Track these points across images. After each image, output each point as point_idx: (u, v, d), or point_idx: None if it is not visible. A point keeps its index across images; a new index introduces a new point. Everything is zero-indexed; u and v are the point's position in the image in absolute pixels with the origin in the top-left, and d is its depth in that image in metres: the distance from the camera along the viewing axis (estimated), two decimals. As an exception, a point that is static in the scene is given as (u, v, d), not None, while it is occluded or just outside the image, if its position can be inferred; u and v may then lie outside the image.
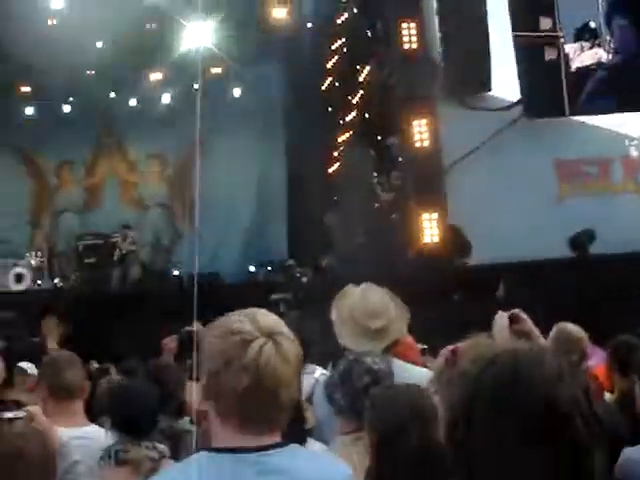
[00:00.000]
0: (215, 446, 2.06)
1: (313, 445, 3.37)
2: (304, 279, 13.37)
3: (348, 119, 16.90)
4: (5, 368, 5.21)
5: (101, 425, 3.94)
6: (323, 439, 3.58)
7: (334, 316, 4.11)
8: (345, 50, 16.91)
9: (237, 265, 18.45)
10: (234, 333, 2.01)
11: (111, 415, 3.73)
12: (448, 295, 11.94)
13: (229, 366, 1.97)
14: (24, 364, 4.97)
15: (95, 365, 7.24)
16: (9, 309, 11.04)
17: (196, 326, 6.76)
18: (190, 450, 3.44)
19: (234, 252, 19.12)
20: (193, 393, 4.26)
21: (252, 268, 17.36)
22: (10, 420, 3.03)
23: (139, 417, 3.70)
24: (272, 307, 10.91)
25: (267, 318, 2.08)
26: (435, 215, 13.14)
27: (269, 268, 16.35)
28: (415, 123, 13.55)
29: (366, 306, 4.06)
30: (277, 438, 2.07)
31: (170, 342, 6.88)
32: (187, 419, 4.47)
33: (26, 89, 18.96)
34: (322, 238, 15.32)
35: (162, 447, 3.62)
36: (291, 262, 15.71)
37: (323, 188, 16.39)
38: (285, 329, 2.08)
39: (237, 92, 19.16)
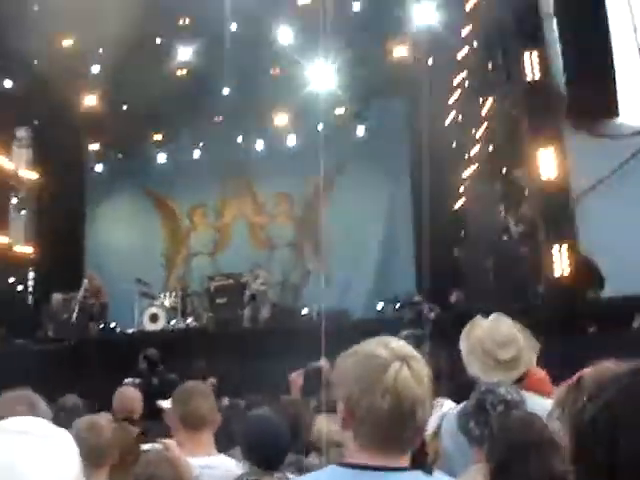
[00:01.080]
0: (343, 462, 2.15)
1: (441, 477, 3.36)
2: (432, 315, 13.26)
3: (472, 153, 16.74)
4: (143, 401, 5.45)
5: (232, 456, 4.03)
6: (452, 473, 3.55)
7: (463, 347, 4.10)
8: (467, 84, 16.83)
9: (365, 302, 18.48)
10: (371, 358, 2.10)
11: (244, 446, 3.81)
12: (582, 328, 11.64)
13: (369, 390, 2.05)
14: (163, 402, 5.13)
15: (227, 401, 7.40)
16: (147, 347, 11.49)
17: (323, 362, 6.85)
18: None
19: (362, 289, 19.18)
20: (323, 425, 4.32)
21: (380, 305, 17.34)
22: (147, 451, 3.18)
23: (271, 449, 3.77)
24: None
25: (399, 343, 2.17)
26: (565, 247, 12.82)
27: (397, 305, 16.27)
28: (541, 154, 13.33)
29: (495, 336, 4.03)
30: (406, 462, 2.12)
31: (297, 377, 6.96)
32: (314, 455, 4.51)
33: (158, 136, 19.74)
34: (450, 274, 15.19)
35: (293, 477, 3.68)
36: (419, 298, 15.61)
37: (450, 223, 16.27)
38: (416, 353, 2.16)
39: (361, 131, 19.37)
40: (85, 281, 16.79)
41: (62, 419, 4.42)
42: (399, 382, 2.04)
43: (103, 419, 4.54)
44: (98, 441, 3.89)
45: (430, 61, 17.30)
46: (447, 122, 17.51)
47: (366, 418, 2.06)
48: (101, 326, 16.32)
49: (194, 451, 3.94)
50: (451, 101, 17.34)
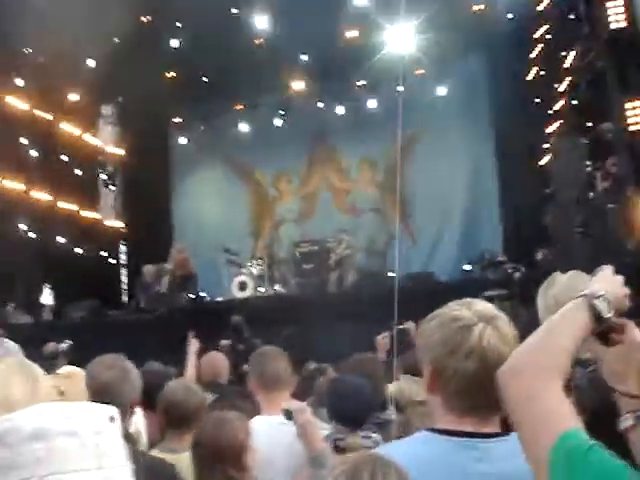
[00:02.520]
0: (435, 427, 2.14)
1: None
2: (517, 274, 13.09)
3: (556, 108, 16.40)
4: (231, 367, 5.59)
5: (319, 416, 4.10)
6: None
7: (539, 304, 4.05)
8: (548, 37, 16.45)
9: (452, 264, 18.40)
10: (454, 320, 2.09)
11: (330, 407, 3.88)
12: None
13: (454, 352, 2.05)
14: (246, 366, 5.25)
15: (313, 365, 7.49)
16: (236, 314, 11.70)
17: (409, 324, 6.88)
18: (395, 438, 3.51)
19: (448, 251, 19.11)
20: (402, 384, 4.36)
21: (467, 266, 17.22)
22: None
23: (355, 409, 3.84)
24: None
25: (482, 304, 2.15)
26: (655, 201, 12.48)
27: (482, 265, 16.14)
28: (629, 106, 12.93)
29: (572, 293, 3.97)
30: (497, 427, 2.11)
31: (383, 339, 7.01)
32: (391, 409, 4.56)
33: (239, 106, 19.91)
34: (536, 232, 14.96)
35: (375, 436, 3.75)
36: (503, 258, 15.45)
37: (535, 181, 16.00)
38: (500, 313, 2.14)
39: (442, 91, 19.16)
40: (172, 251, 17.12)
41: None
42: (484, 342, 2.03)
43: (190, 383, 4.68)
44: (189, 402, 4.02)
45: (510, 15, 16.97)
46: (529, 77, 17.17)
47: (452, 380, 2.06)
48: (191, 296, 16.65)
49: (271, 410, 4.02)
50: (533, 55, 16.99)
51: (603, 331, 1.84)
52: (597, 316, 1.80)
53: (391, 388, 4.40)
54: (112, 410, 1.36)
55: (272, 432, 3.69)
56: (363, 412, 3.86)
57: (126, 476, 1.33)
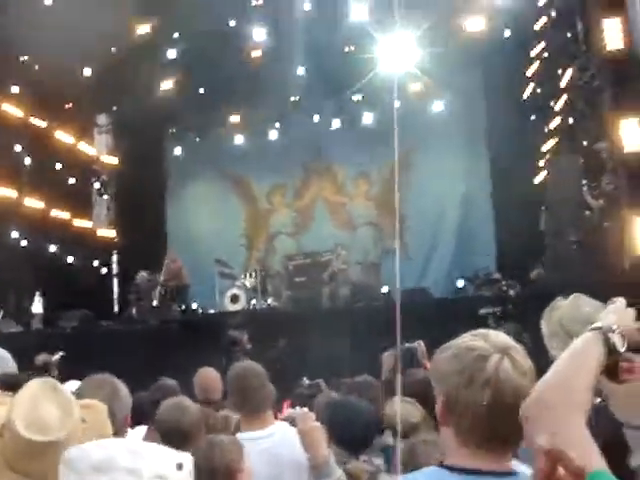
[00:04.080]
0: (448, 464, 2.07)
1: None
2: (512, 292, 13.07)
3: (552, 126, 16.42)
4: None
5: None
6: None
7: (544, 330, 4.01)
8: (545, 55, 16.48)
9: (444, 280, 18.38)
10: (470, 350, 2.04)
11: (330, 431, 3.82)
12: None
13: (469, 383, 2.00)
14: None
15: (307, 382, 7.42)
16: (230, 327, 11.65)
17: (417, 343, 6.83)
18: (394, 464, 3.46)
19: (442, 267, 19.08)
20: (399, 406, 4.31)
21: (460, 283, 17.19)
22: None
23: (357, 433, 3.78)
24: (480, 321, 10.79)
25: (498, 335, 2.10)
26: (649, 221, 12.45)
27: (476, 283, 16.12)
28: (624, 125, 12.95)
29: (577, 316, 3.93)
30: (510, 463, 2.05)
31: (388, 358, 6.94)
32: (388, 433, 4.50)
33: (235, 118, 19.89)
34: (531, 250, 14.95)
35: (378, 462, 3.68)
36: (497, 276, 15.42)
37: (530, 199, 15.99)
38: (516, 344, 2.08)
39: (438, 107, 19.16)
40: (166, 262, 17.07)
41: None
42: (500, 374, 1.98)
43: (188, 401, 4.63)
44: (182, 421, 3.97)
45: (507, 33, 17.01)
46: (526, 95, 17.21)
47: (466, 413, 2.00)
48: (182, 307, 16.59)
49: (257, 427, 4.01)
50: (529, 73, 17.02)
51: (610, 366, 1.79)
52: (611, 349, 1.76)
53: (388, 410, 4.35)
54: (184, 458, 1.41)
55: (253, 448, 3.62)
56: (365, 437, 3.80)
57: None
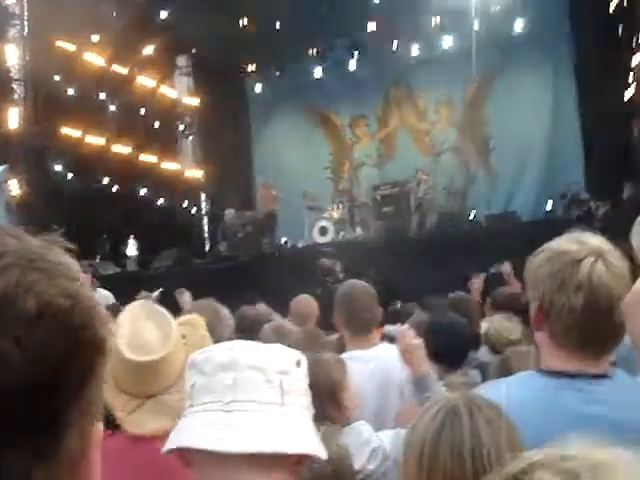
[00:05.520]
0: (542, 367, 2.09)
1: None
2: (600, 211, 12.80)
3: (641, 38, 15.80)
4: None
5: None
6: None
7: (635, 241, 3.94)
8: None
9: (534, 203, 18.10)
10: (563, 254, 2.02)
11: (426, 346, 3.86)
12: None
13: (563, 286, 1.98)
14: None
15: (398, 305, 7.49)
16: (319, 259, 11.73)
17: (505, 266, 6.80)
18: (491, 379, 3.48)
19: (530, 190, 18.76)
20: (496, 322, 4.31)
21: (549, 205, 16.91)
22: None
23: (453, 348, 3.81)
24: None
25: (593, 238, 2.06)
26: None
27: (565, 204, 15.82)
28: None
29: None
30: (606, 366, 2.05)
31: (476, 281, 6.95)
32: (484, 349, 4.52)
33: (313, 51, 19.77)
34: (622, 167, 14.56)
35: (474, 373, 3.72)
36: (586, 196, 15.10)
37: (620, 116, 15.52)
38: (612, 248, 2.05)
39: (519, 26, 18.60)
40: (259, 188, 17.36)
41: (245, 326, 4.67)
42: (593, 277, 1.95)
43: (288, 324, 4.73)
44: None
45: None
46: (612, 7, 16.57)
47: (560, 316, 1.99)
48: (272, 241, 16.84)
49: (357, 346, 4.04)
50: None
51: None
52: None
53: (484, 327, 4.36)
54: (300, 356, 1.52)
55: (359, 368, 3.68)
56: (461, 351, 3.83)
57: (305, 418, 1.48)
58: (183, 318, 2.56)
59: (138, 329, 2.34)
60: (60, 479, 0.78)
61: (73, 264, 0.82)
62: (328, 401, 3.04)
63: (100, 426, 0.85)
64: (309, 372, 3.18)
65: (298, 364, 1.48)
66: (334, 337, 4.50)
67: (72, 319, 0.76)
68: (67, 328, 0.75)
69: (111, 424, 2.27)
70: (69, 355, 0.75)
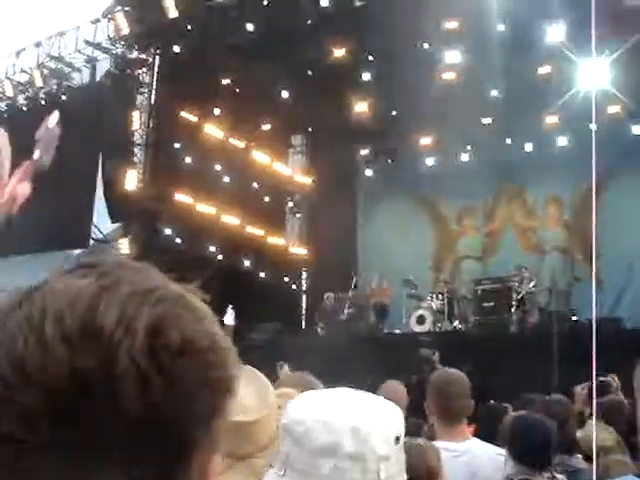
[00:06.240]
0: None
1: None
2: None
3: None
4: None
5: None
6: None
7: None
8: None
9: (640, 310, 17.56)
10: None
11: (510, 446, 3.78)
12: None
13: None
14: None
15: (492, 403, 7.35)
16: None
17: (610, 377, 6.62)
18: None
19: (638, 297, 18.24)
20: (594, 430, 4.20)
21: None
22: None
23: (537, 449, 3.71)
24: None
25: None
26: None
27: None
28: None
29: None
30: None
31: (582, 390, 6.77)
32: (579, 456, 4.39)
33: (426, 140, 19.94)
34: None
35: (561, 477, 3.61)
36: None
37: None
38: None
39: (637, 129, 18.36)
40: (369, 278, 17.52)
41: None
42: None
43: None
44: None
45: None
46: None
47: None
48: (380, 326, 16.87)
49: (450, 437, 3.96)
50: None
51: None
52: None
53: (580, 434, 4.26)
54: (400, 430, 1.47)
55: (449, 461, 3.59)
56: (546, 453, 3.73)
57: None
58: (280, 390, 2.60)
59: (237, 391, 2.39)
60: None
61: (210, 310, 0.89)
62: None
63: (218, 458, 0.89)
64: (409, 461, 3.14)
65: (397, 440, 1.44)
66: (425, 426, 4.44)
67: (209, 357, 0.82)
68: (204, 364, 0.81)
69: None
70: (202, 390, 0.80)
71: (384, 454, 1.38)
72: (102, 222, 18.14)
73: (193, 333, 0.81)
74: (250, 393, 2.40)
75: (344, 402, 1.45)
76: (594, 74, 14.77)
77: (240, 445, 2.34)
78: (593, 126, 15.33)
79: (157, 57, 18.51)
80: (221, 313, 18.20)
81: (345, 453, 1.35)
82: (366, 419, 1.42)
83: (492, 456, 3.93)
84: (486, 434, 4.36)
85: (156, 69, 18.43)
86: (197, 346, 0.81)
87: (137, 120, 18.02)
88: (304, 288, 22.12)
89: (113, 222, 18.06)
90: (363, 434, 1.38)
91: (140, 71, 18.32)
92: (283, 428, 1.48)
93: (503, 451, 3.79)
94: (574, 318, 16.35)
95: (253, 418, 2.33)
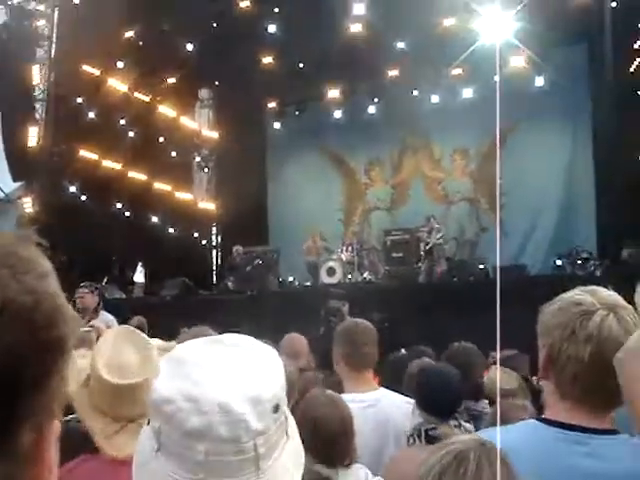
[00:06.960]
0: (545, 417, 2.08)
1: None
2: (598, 272, 12.79)
3: (660, 101, 15.89)
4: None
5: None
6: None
7: (638, 300, 3.94)
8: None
9: (545, 257, 18.05)
10: (576, 305, 2.01)
11: (418, 397, 3.84)
12: None
13: (572, 336, 1.98)
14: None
15: (403, 351, 7.44)
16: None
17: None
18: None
19: (542, 244, 18.75)
20: (497, 375, 4.31)
21: (559, 261, 16.87)
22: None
23: (444, 400, 3.79)
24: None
25: (607, 292, 2.06)
26: None
27: (571, 260, 15.79)
28: None
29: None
30: (609, 424, 2.03)
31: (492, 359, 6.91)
32: (485, 401, 4.50)
33: (334, 93, 19.91)
34: (630, 229, 14.55)
35: (468, 426, 3.69)
36: (586, 254, 15.10)
37: (634, 177, 15.55)
38: (625, 303, 2.03)
39: (540, 81, 18.72)
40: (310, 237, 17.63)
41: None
42: (603, 330, 1.94)
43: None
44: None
45: (613, 4, 16.51)
46: (632, 68, 16.69)
47: (567, 366, 1.99)
48: (279, 279, 16.84)
49: (357, 389, 4.02)
50: (637, 46, 16.50)
51: None
52: None
53: (484, 379, 4.36)
54: (280, 396, 1.33)
55: (358, 412, 3.59)
56: (452, 402, 3.81)
57: (283, 471, 1.32)
58: (162, 344, 2.55)
59: (118, 352, 2.35)
60: (17, 474, 0.78)
61: (43, 260, 0.83)
62: (342, 438, 3.05)
63: (58, 423, 0.85)
64: (322, 410, 3.14)
65: (276, 409, 1.30)
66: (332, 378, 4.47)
67: (34, 316, 0.77)
68: (29, 325, 0.76)
69: (90, 446, 2.26)
70: (29, 352, 0.76)
71: (261, 429, 1.27)
72: (3, 180, 17.58)
73: (14, 293, 0.76)
74: (132, 354, 2.35)
75: (215, 370, 1.32)
76: (498, 27, 14.94)
77: (126, 408, 2.30)
78: (497, 78, 15.63)
79: (56, 9, 17.90)
80: (132, 270, 18.01)
81: (217, 436, 1.24)
82: (239, 394, 1.28)
83: (400, 405, 3.99)
84: (391, 384, 4.41)
85: (55, 21, 17.82)
86: (18, 306, 0.76)
87: (37, 74, 17.46)
88: (214, 243, 22.01)
89: (15, 180, 17.51)
90: (235, 414, 1.26)
91: (39, 23, 17.70)
92: (151, 405, 1.33)
93: (412, 400, 3.85)
94: (481, 266, 16.69)
95: (134, 380, 2.29)
